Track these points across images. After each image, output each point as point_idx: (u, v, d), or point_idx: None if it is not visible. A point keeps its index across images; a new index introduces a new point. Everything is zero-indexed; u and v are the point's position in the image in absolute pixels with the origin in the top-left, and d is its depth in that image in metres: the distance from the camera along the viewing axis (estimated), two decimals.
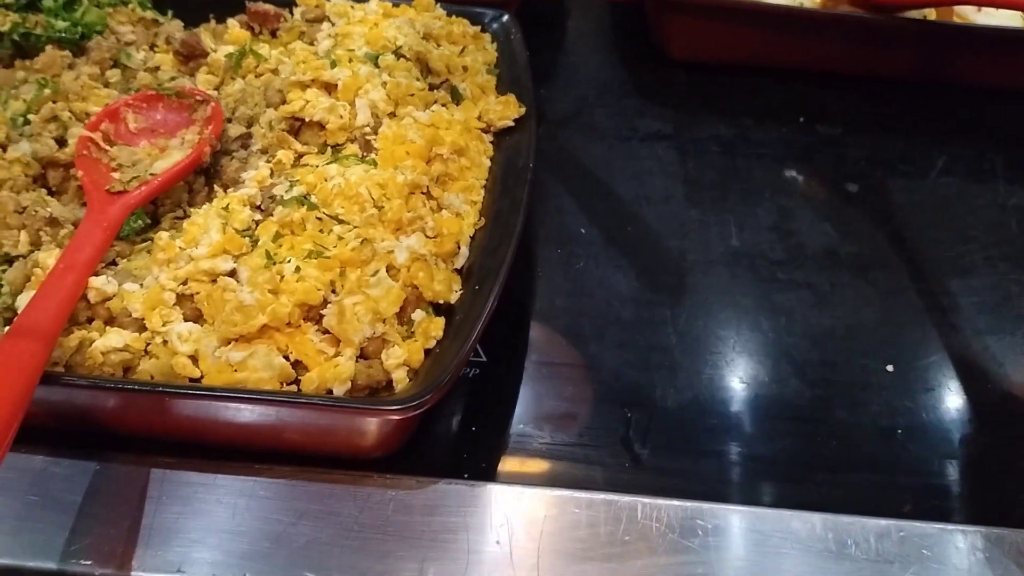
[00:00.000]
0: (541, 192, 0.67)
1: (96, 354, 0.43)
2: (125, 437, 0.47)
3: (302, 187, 0.51)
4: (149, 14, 0.67)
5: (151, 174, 0.53)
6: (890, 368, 0.55)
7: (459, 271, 0.51)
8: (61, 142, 0.56)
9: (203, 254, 0.46)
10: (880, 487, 0.49)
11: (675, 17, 0.76)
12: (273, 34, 0.66)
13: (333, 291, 0.46)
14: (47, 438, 0.46)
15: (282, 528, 0.43)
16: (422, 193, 0.53)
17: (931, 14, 0.73)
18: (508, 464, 0.49)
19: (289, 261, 0.46)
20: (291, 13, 0.67)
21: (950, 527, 0.46)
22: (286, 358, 0.44)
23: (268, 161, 0.56)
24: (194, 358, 0.44)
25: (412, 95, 0.59)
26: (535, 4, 0.75)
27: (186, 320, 0.45)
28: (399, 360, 0.45)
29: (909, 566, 0.44)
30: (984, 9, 0.73)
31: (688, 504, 0.46)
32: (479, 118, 0.60)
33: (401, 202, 0.50)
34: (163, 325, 0.45)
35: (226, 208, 0.50)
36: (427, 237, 0.50)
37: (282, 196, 0.51)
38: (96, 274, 0.47)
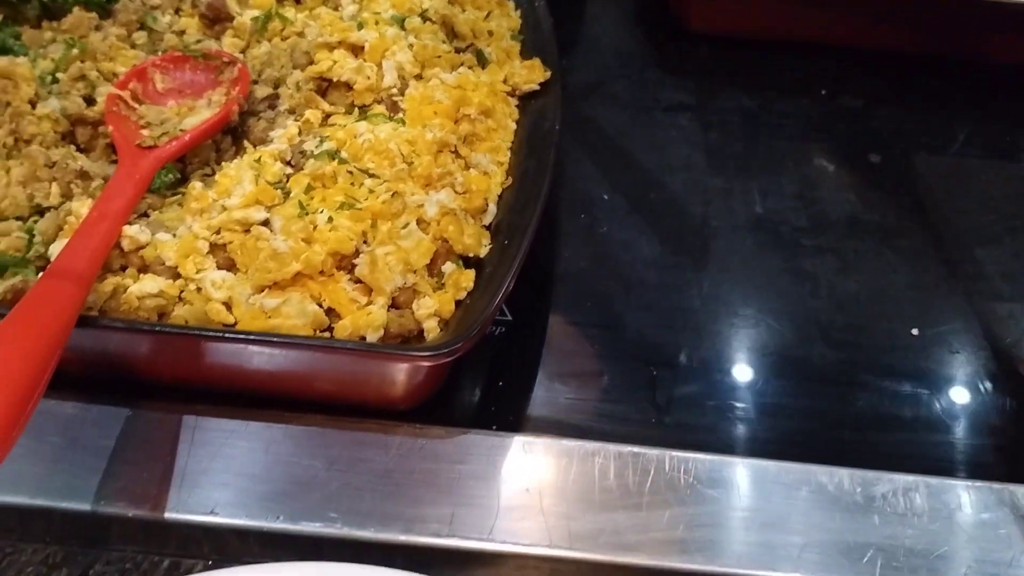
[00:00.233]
0: (563, 160, 0.67)
1: (132, 299, 0.44)
2: (155, 386, 0.47)
3: (332, 143, 0.51)
4: None
5: (180, 130, 0.54)
6: (915, 331, 0.56)
7: (487, 228, 0.51)
8: (89, 101, 0.57)
9: (236, 204, 0.47)
10: (907, 445, 0.49)
11: None
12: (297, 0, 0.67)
13: (365, 242, 0.46)
14: (78, 387, 0.47)
15: (314, 473, 0.44)
16: (450, 152, 0.53)
17: None
18: (534, 417, 0.49)
19: (321, 212, 0.46)
20: None
21: (977, 483, 0.46)
22: (319, 306, 0.44)
23: (296, 121, 0.56)
24: (228, 305, 0.44)
25: (439, 57, 0.59)
26: None
27: (219, 269, 0.46)
28: (430, 310, 0.45)
29: (936, 520, 0.44)
30: None
31: (715, 457, 0.46)
32: (504, 82, 0.60)
33: (430, 158, 0.51)
34: (197, 273, 0.45)
35: (258, 161, 0.50)
36: (456, 193, 0.50)
37: (312, 151, 0.51)
38: (129, 224, 0.47)
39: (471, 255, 0.49)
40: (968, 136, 0.72)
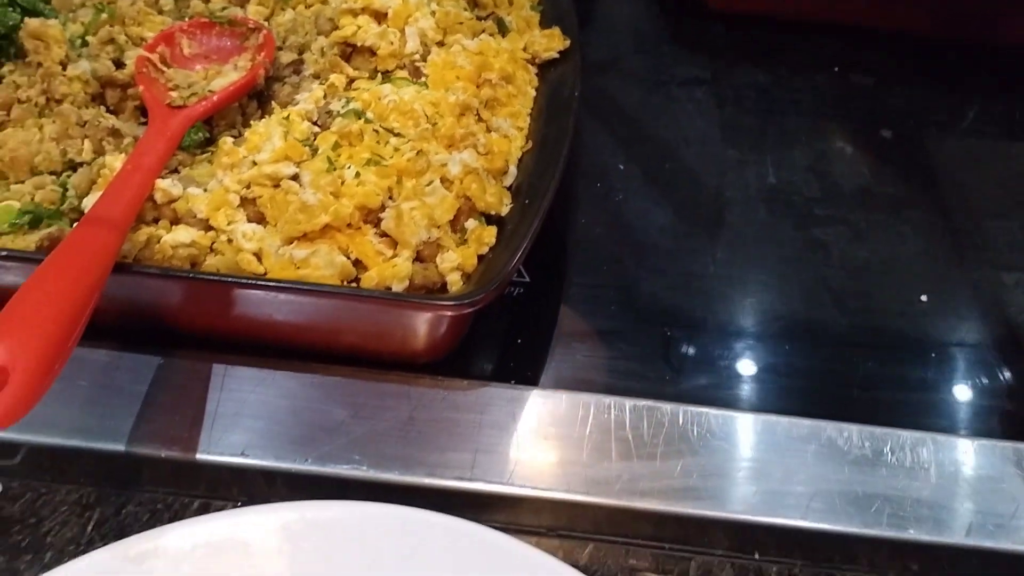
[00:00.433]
0: (580, 130, 0.68)
1: (165, 248, 0.45)
2: (186, 337, 0.49)
3: (358, 103, 0.52)
4: None
5: (209, 91, 0.55)
6: (924, 298, 0.57)
7: (508, 188, 0.53)
8: (118, 65, 0.58)
9: (266, 159, 0.48)
10: (915, 404, 0.51)
11: None
12: None
13: (391, 198, 0.48)
14: (111, 336, 0.48)
15: (339, 420, 0.45)
16: (473, 115, 0.55)
17: None
18: (552, 373, 0.51)
19: (349, 167, 0.48)
20: None
21: (985, 441, 0.47)
22: (347, 257, 0.46)
23: (321, 85, 0.57)
24: (258, 256, 0.45)
25: (461, 24, 0.60)
26: None
27: (248, 222, 0.47)
28: (453, 264, 0.46)
29: (942, 474, 0.46)
30: None
31: (728, 412, 0.48)
32: (524, 50, 0.61)
33: (453, 119, 0.52)
34: (228, 224, 0.46)
35: (286, 119, 0.51)
36: (479, 154, 0.51)
37: (339, 111, 0.52)
38: (161, 178, 0.49)
39: (493, 213, 0.50)
40: (978, 114, 0.73)
